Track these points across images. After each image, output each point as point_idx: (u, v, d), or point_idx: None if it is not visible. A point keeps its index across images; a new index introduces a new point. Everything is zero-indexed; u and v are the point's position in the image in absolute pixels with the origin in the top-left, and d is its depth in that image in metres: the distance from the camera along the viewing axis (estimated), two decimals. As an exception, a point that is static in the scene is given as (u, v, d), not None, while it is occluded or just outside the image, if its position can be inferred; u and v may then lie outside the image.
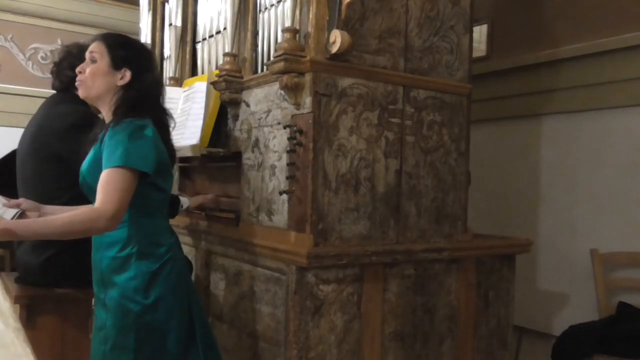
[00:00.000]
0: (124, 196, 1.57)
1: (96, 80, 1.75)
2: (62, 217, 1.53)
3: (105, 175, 1.59)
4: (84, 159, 1.80)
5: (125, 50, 1.78)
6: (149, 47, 1.94)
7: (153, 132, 1.70)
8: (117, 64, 1.76)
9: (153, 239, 1.72)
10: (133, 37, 1.97)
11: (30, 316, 2.10)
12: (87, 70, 1.76)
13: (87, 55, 1.79)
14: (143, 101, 1.76)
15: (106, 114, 1.80)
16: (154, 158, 1.66)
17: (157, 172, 1.68)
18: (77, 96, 2.33)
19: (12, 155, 2.44)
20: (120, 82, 1.76)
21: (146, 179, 1.66)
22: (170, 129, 1.87)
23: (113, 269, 1.68)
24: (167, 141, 1.82)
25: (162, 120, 1.82)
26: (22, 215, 1.87)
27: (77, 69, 1.78)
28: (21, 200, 1.90)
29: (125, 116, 1.69)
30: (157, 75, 1.88)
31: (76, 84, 1.79)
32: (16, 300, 2.08)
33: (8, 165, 2.41)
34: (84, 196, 2.05)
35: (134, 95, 1.75)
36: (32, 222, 1.51)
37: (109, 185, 1.57)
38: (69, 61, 2.34)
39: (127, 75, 1.76)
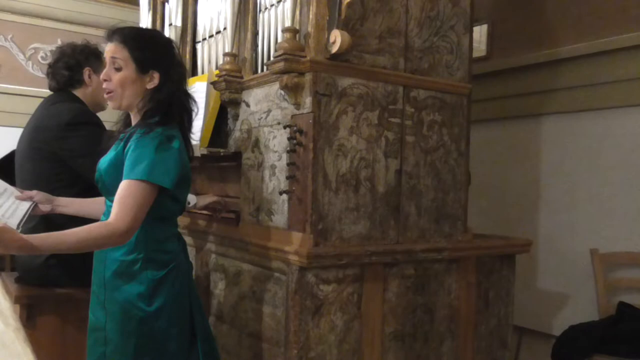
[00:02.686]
0: (140, 211, 1.56)
1: (126, 90, 1.69)
2: (76, 232, 1.51)
3: (125, 187, 1.57)
4: (94, 154, 1.77)
5: (149, 52, 1.71)
6: (167, 37, 1.86)
7: (180, 143, 1.68)
8: (143, 68, 1.70)
9: (160, 246, 1.70)
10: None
11: (30, 316, 2.10)
12: (115, 80, 1.69)
13: (109, 59, 1.70)
14: (172, 103, 1.72)
15: (134, 115, 1.76)
16: (176, 172, 1.64)
17: (177, 185, 1.66)
18: (73, 94, 2.36)
19: (12, 155, 2.44)
20: (150, 86, 1.71)
21: (166, 192, 1.64)
22: (194, 114, 1.83)
23: (117, 271, 1.66)
24: (188, 143, 1.79)
25: (188, 121, 1.79)
26: (35, 208, 1.86)
27: (102, 77, 1.72)
28: (34, 192, 1.88)
29: (156, 124, 1.65)
30: (179, 62, 1.81)
31: (105, 95, 1.73)
32: (16, 300, 2.07)
33: (8, 165, 2.41)
34: (84, 194, 2.04)
35: (164, 99, 1.70)
36: (46, 238, 1.49)
37: (127, 198, 1.55)
38: (63, 61, 2.35)
39: (156, 77, 1.71)
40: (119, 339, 1.64)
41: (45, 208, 1.90)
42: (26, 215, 1.82)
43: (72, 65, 2.34)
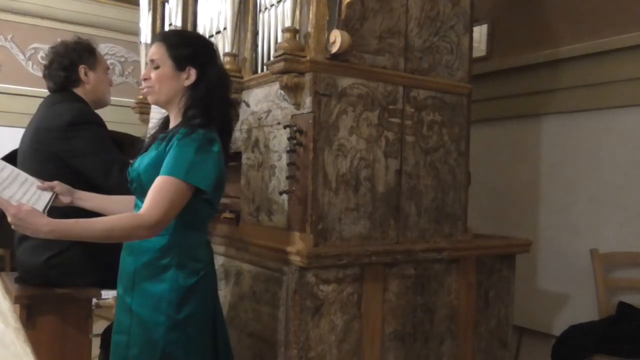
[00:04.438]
0: (172, 208, 1.54)
1: (163, 86, 1.71)
2: (103, 221, 1.51)
3: (160, 181, 1.56)
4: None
5: (186, 49, 1.73)
6: (208, 39, 1.88)
7: (219, 147, 1.68)
8: (180, 65, 1.71)
9: (192, 253, 1.68)
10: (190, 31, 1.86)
11: (30, 316, 2.09)
12: (153, 77, 1.72)
13: (148, 62, 1.74)
14: (211, 102, 1.71)
15: (174, 115, 1.76)
16: (214, 176, 1.63)
17: (213, 189, 1.65)
18: (74, 93, 2.35)
19: (12, 155, 2.44)
20: (187, 82, 1.72)
21: (201, 195, 1.63)
22: (233, 123, 1.83)
23: (147, 276, 1.64)
24: (225, 148, 1.78)
25: (228, 125, 1.79)
26: (55, 198, 1.86)
27: (142, 76, 1.75)
28: (55, 183, 1.88)
29: (198, 126, 1.64)
30: (221, 66, 1.82)
31: (143, 91, 1.75)
32: (16, 300, 2.07)
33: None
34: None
35: (202, 96, 1.70)
36: (73, 225, 1.48)
37: (160, 192, 1.54)
38: (57, 62, 2.33)
39: (192, 74, 1.71)
40: (143, 345, 1.62)
41: (65, 199, 1.89)
42: (49, 205, 1.82)
43: (66, 65, 2.33)
